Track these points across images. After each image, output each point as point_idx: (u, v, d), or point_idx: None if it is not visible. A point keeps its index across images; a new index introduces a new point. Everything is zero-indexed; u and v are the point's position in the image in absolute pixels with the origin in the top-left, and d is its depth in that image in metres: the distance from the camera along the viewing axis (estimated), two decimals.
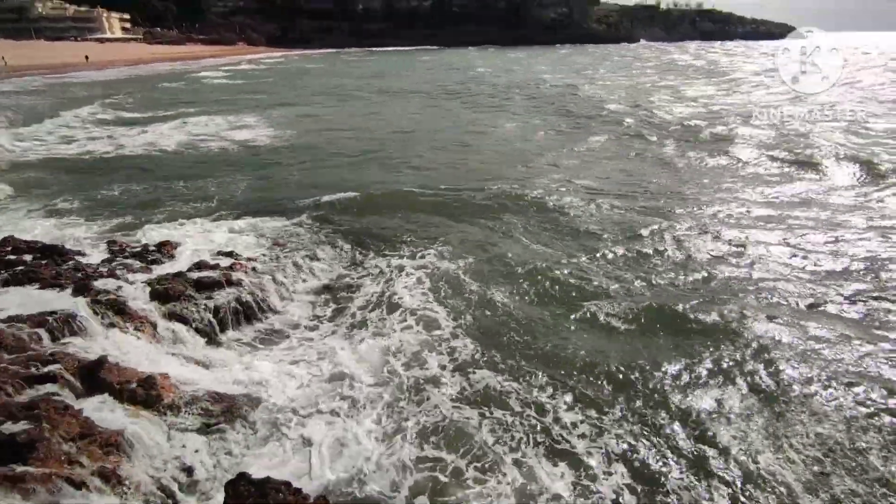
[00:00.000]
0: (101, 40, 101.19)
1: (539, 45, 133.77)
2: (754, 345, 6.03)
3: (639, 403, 5.24)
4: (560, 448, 4.72)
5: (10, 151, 16.85)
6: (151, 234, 9.46)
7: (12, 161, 15.68)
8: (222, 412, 4.99)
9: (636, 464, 4.53)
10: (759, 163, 14.93)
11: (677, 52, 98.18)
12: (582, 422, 5.01)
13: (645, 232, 9.51)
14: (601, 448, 4.70)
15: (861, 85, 34.31)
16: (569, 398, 5.32)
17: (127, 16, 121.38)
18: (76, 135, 20.36)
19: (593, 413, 5.12)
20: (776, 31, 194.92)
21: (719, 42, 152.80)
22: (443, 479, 4.37)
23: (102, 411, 4.47)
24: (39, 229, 9.87)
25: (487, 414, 5.12)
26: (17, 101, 31.11)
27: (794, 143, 16.58)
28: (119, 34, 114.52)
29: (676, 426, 4.93)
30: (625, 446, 4.71)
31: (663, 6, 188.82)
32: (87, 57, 65.86)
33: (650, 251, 8.80)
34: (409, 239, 9.48)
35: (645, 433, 4.86)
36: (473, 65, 67.40)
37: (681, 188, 12.60)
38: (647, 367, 5.73)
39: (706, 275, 7.96)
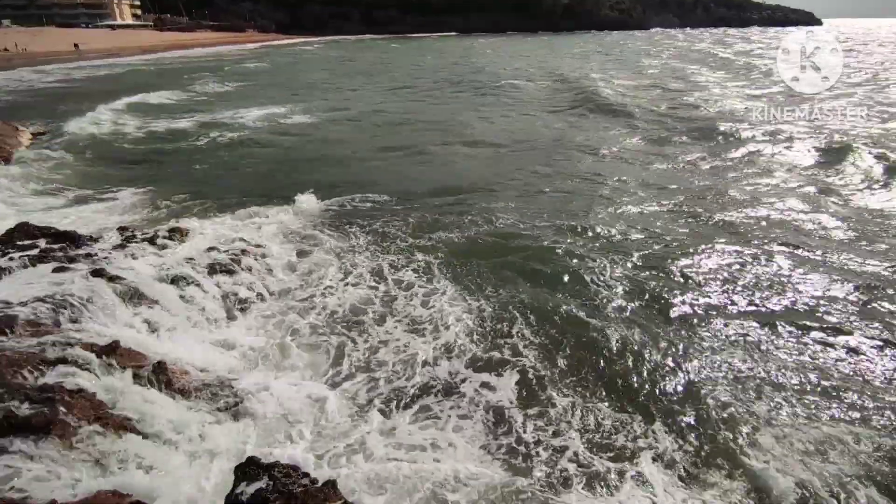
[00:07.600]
0: (113, 27, 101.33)
1: (551, 33, 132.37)
2: None
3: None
4: None
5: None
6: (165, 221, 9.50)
7: (33, 150, 15.75)
8: (232, 395, 5.05)
9: None
10: None
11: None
12: None
13: None
14: None
15: None
16: None
17: (137, 2, 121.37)
18: (102, 125, 20.35)
19: None
20: (793, 17, 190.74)
21: (722, 29, 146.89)
22: None
23: (114, 394, 4.53)
24: (56, 215, 9.96)
25: None
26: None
27: None
28: (130, 21, 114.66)
29: None
30: None
31: None
32: (76, 45, 63.30)
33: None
34: None
35: None
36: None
37: None
38: None
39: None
